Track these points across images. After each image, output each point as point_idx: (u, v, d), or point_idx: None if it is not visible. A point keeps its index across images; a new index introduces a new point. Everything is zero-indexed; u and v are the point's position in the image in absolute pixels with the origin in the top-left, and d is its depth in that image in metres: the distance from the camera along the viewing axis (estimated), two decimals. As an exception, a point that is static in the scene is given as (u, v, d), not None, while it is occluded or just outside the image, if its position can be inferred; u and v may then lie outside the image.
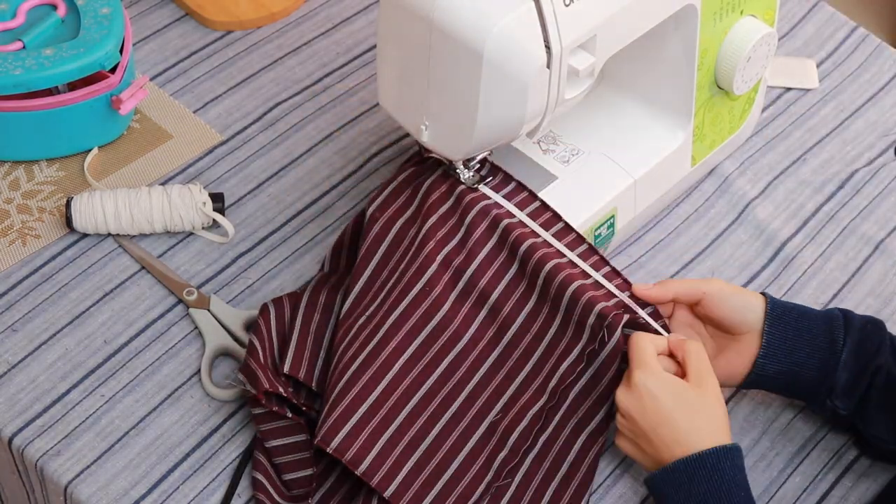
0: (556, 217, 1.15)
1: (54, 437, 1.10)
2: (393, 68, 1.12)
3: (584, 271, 1.11)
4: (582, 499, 1.08)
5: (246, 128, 1.36)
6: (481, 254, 1.12)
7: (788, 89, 1.46)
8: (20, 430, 1.11)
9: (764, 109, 1.42)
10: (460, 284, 1.11)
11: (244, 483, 1.09)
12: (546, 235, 1.13)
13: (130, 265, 1.23)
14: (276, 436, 1.08)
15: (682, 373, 1.07)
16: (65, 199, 1.26)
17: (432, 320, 1.09)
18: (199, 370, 1.15)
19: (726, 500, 1.01)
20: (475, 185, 1.15)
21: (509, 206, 1.14)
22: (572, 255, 1.12)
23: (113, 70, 1.26)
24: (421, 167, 1.18)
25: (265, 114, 1.37)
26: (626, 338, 1.08)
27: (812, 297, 1.26)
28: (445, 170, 1.15)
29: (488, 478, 1.06)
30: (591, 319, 1.07)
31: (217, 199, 1.25)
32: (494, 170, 1.17)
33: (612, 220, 1.23)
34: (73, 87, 1.26)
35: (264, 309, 1.14)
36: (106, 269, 1.22)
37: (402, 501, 1.03)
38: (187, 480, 1.09)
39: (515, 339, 1.10)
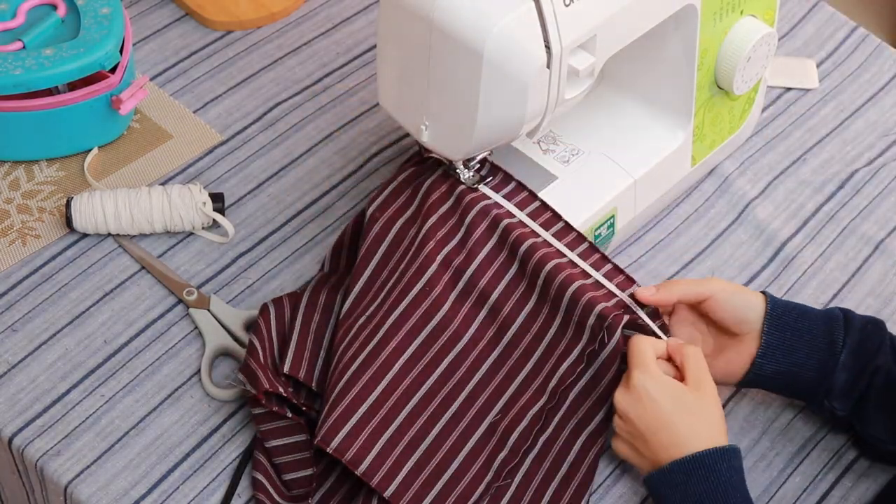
0: (557, 217, 1.15)
1: (54, 437, 1.10)
2: (393, 68, 1.12)
3: (584, 271, 1.11)
4: (582, 499, 1.08)
5: (246, 128, 1.36)
6: (481, 254, 1.12)
7: (788, 89, 1.46)
8: (20, 430, 1.11)
9: (764, 109, 1.42)
10: (460, 284, 1.11)
11: (244, 483, 1.09)
12: (546, 235, 1.13)
13: (130, 265, 1.23)
14: (276, 436, 1.08)
15: (680, 376, 1.07)
16: (65, 199, 1.26)
17: (432, 320, 1.09)
18: (199, 370, 1.15)
19: (723, 500, 1.01)
20: (475, 185, 1.15)
21: (509, 206, 1.14)
22: (573, 255, 1.12)
23: (113, 70, 1.26)
24: (421, 167, 1.18)
25: (265, 114, 1.37)
26: (625, 339, 1.08)
27: (812, 297, 1.26)
28: (445, 170, 1.15)
29: (488, 478, 1.06)
30: (592, 320, 1.07)
31: (217, 199, 1.25)
32: (494, 170, 1.17)
33: (612, 220, 1.23)
34: (73, 87, 1.26)
35: (264, 309, 1.14)
36: (106, 269, 1.22)
37: (402, 501, 1.03)
38: (187, 480, 1.09)
39: (515, 339, 1.10)
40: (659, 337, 1.09)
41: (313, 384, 1.10)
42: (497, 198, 1.15)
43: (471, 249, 1.12)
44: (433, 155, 1.16)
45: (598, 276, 1.11)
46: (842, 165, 1.38)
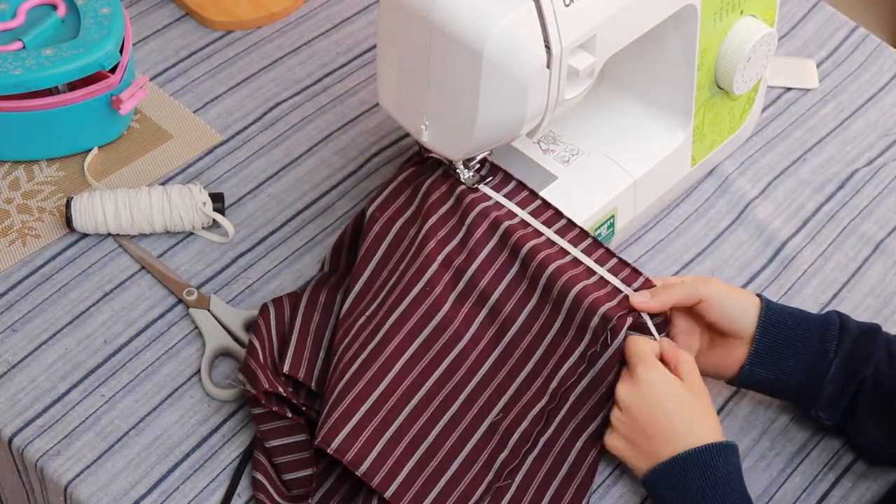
0: (558, 214, 1.14)
1: (54, 437, 1.10)
2: (393, 68, 1.12)
3: (587, 270, 1.11)
4: (582, 499, 1.08)
5: (246, 128, 1.36)
6: (482, 254, 1.12)
7: (788, 89, 1.46)
8: (20, 430, 1.11)
9: (764, 109, 1.42)
10: (461, 285, 1.11)
11: (244, 483, 1.09)
12: (549, 233, 1.13)
13: (130, 265, 1.23)
14: (276, 436, 1.08)
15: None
16: (65, 199, 1.26)
17: (433, 320, 1.09)
18: (199, 370, 1.15)
19: (720, 497, 1.01)
20: (475, 185, 1.15)
21: (510, 205, 1.14)
22: (576, 252, 1.12)
23: (113, 70, 1.26)
24: (421, 167, 1.18)
25: (265, 114, 1.37)
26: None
27: (812, 297, 1.26)
28: (445, 170, 1.15)
29: (489, 478, 1.06)
30: (595, 321, 1.07)
31: (217, 199, 1.25)
32: (494, 169, 1.16)
33: (612, 220, 1.23)
34: (73, 87, 1.26)
35: (264, 309, 1.14)
36: (106, 269, 1.22)
37: (402, 502, 1.03)
38: (187, 480, 1.09)
39: (516, 339, 1.10)
40: (658, 336, 1.09)
41: (313, 384, 1.10)
42: (498, 197, 1.15)
43: (471, 250, 1.12)
44: (433, 155, 1.16)
45: (602, 271, 1.11)
46: (842, 165, 1.38)
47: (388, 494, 1.03)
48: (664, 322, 1.11)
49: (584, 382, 1.09)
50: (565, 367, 1.08)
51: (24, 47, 1.25)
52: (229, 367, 1.16)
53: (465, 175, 1.15)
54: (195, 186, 1.24)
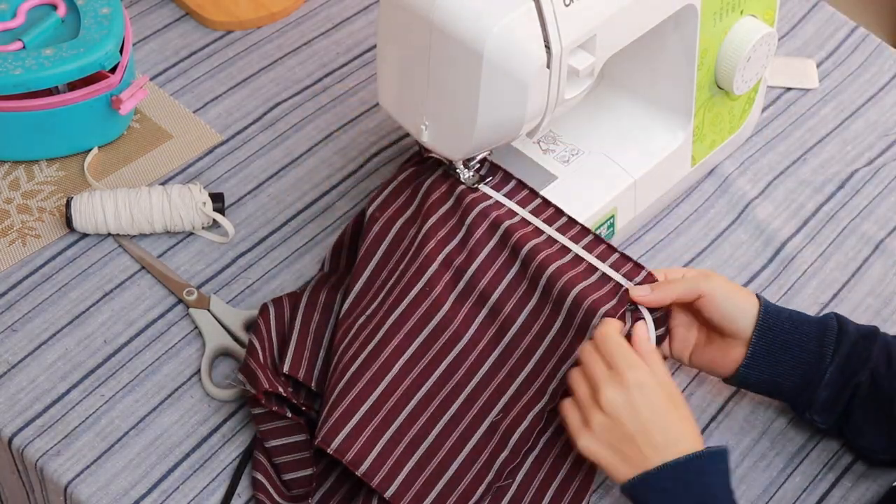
0: (559, 212, 1.14)
1: (54, 437, 1.10)
2: (393, 68, 1.12)
3: (588, 268, 1.11)
4: (583, 500, 1.08)
5: (246, 128, 1.36)
6: (482, 254, 1.12)
7: (788, 89, 1.46)
8: (20, 430, 1.11)
9: (764, 109, 1.42)
10: (461, 285, 1.11)
11: (244, 483, 1.09)
12: (550, 231, 1.13)
13: (130, 265, 1.23)
14: (276, 436, 1.08)
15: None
16: (65, 199, 1.26)
17: (432, 320, 1.09)
18: (199, 370, 1.15)
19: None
20: (475, 185, 1.15)
21: (510, 204, 1.14)
22: (578, 249, 1.12)
23: (113, 70, 1.26)
24: (421, 167, 1.18)
25: (265, 114, 1.37)
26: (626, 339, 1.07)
27: (812, 296, 1.26)
28: (445, 170, 1.15)
29: (489, 478, 1.06)
30: (595, 321, 1.07)
31: (217, 199, 1.25)
32: (494, 168, 1.16)
33: (612, 220, 1.23)
34: (73, 87, 1.26)
35: (264, 309, 1.14)
36: (106, 269, 1.22)
37: (402, 502, 1.03)
38: (187, 480, 1.09)
39: (516, 339, 1.10)
40: (659, 334, 1.09)
41: (313, 384, 1.10)
42: (498, 196, 1.15)
43: (471, 249, 1.12)
44: (433, 155, 1.16)
45: (604, 267, 1.11)
46: (842, 165, 1.38)
47: (388, 494, 1.03)
48: (664, 316, 1.10)
49: None
50: (565, 367, 1.08)
51: (24, 47, 1.25)
52: (229, 367, 1.16)
53: (465, 175, 1.15)
54: (195, 186, 1.24)
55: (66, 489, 1.08)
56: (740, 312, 1.09)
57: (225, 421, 1.12)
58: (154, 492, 1.08)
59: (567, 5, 1.04)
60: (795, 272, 1.28)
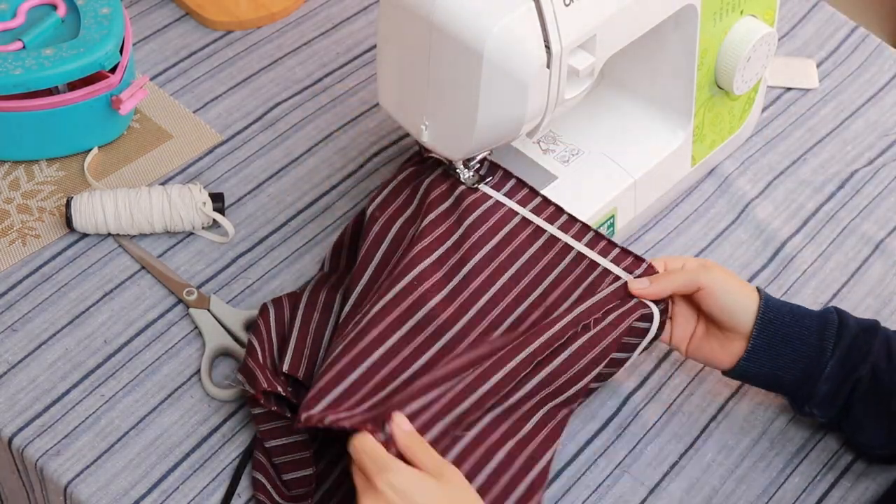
0: (559, 210, 1.14)
1: (54, 437, 1.10)
2: (393, 68, 1.12)
3: (590, 264, 1.10)
4: (538, 462, 1.05)
5: (246, 128, 1.36)
6: (477, 256, 1.11)
7: (788, 89, 1.46)
8: (20, 430, 1.11)
9: (764, 109, 1.42)
10: (452, 283, 1.10)
11: (244, 483, 1.09)
12: (552, 229, 1.13)
13: (130, 265, 1.23)
14: (276, 436, 1.08)
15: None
16: (65, 199, 1.26)
17: (419, 312, 1.08)
18: (199, 370, 1.15)
19: None
20: (475, 185, 1.15)
21: (511, 203, 1.14)
22: (580, 246, 1.12)
23: (113, 70, 1.26)
24: (421, 167, 1.18)
25: (265, 114, 1.37)
26: (630, 329, 1.07)
27: (811, 296, 1.26)
28: (445, 169, 1.15)
29: (447, 420, 1.02)
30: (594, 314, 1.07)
31: (217, 199, 1.25)
32: (494, 168, 1.16)
33: (612, 220, 1.23)
34: (73, 87, 1.26)
35: (264, 309, 1.14)
36: (106, 269, 1.23)
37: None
38: (187, 480, 1.09)
39: (504, 337, 1.09)
40: (662, 321, 1.09)
41: (312, 384, 1.10)
42: (498, 196, 1.15)
43: (466, 251, 1.11)
44: (433, 155, 1.16)
45: (605, 262, 1.11)
46: (842, 165, 1.38)
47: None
48: (665, 308, 1.10)
49: (565, 353, 1.06)
50: (551, 367, 1.07)
51: (24, 47, 1.25)
52: (229, 367, 1.16)
53: (465, 175, 1.15)
54: (195, 186, 1.24)
55: (66, 489, 1.08)
56: (740, 308, 1.09)
57: (225, 421, 1.13)
58: (154, 492, 1.08)
59: (567, 5, 1.04)
60: (795, 272, 1.28)
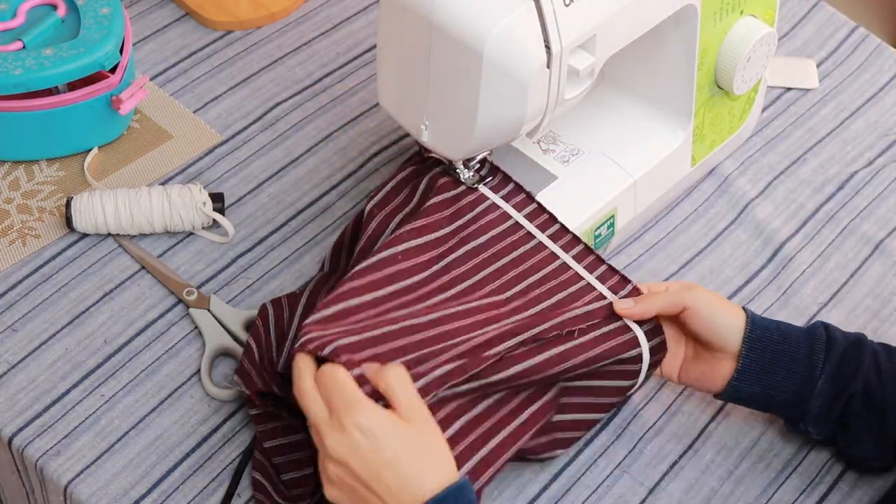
0: (553, 219, 1.14)
1: (54, 437, 1.10)
2: (393, 68, 1.12)
3: (574, 276, 1.10)
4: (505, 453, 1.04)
5: (246, 128, 1.36)
6: (465, 247, 1.11)
7: (788, 89, 1.46)
8: (20, 430, 1.11)
9: (764, 109, 1.42)
10: (435, 267, 1.09)
11: (244, 483, 1.09)
12: (542, 237, 1.13)
13: (130, 265, 1.23)
14: (274, 436, 1.08)
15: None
16: (65, 199, 1.26)
17: (399, 282, 1.06)
18: (199, 370, 1.15)
19: None
20: (475, 185, 1.15)
21: (506, 207, 1.14)
22: (566, 257, 1.12)
23: (113, 70, 1.26)
24: (421, 166, 1.18)
25: (265, 114, 1.37)
26: (623, 328, 1.06)
27: (811, 297, 1.26)
28: (445, 169, 1.15)
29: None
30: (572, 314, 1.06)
31: (217, 199, 1.25)
32: (493, 170, 1.16)
33: (612, 220, 1.23)
34: (73, 87, 1.26)
35: (262, 310, 1.14)
36: (106, 269, 1.23)
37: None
38: (187, 480, 1.09)
39: (482, 307, 1.08)
40: (656, 343, 1.08)
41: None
42: (495, 199, 1.15)
43: (455, 244, 1.11)
44: (433, 155, 1.16)
45: (590, 278, 1.11)
46: (842, 165, 1.38)
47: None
48: (656, 328, 1.09)
49: (548, 353, 1.05)
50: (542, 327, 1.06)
51: (24, 47, 1.25)
52: (229, 367, 1.16)
53: (465, 175, 1.15)
54: (195, 186, 1.24)
55: (66, 489, 1.08)
56: (726, 327, 1.08)
57: (225, 421, 1.13)
58: (154, 492, 1.08)
59: (567, 5, 1.04)
60: (794, 272, 1.28)
